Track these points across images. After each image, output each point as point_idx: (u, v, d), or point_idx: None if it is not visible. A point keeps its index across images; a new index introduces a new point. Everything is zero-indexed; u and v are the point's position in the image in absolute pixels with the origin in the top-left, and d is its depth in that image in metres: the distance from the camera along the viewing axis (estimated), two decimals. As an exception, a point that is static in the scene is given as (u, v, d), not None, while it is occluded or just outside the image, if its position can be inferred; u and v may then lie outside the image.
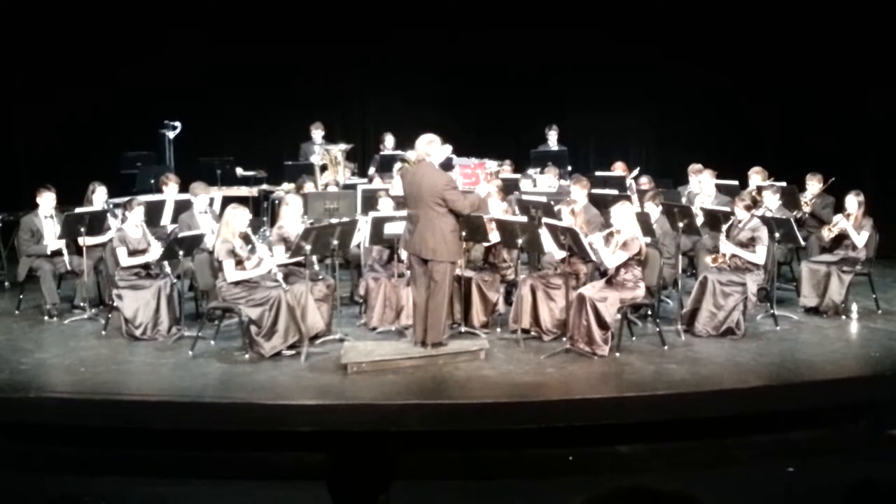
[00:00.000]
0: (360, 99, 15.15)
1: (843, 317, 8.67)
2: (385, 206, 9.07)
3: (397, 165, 10.70)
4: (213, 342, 7.95)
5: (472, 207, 7.53)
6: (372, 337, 8.15)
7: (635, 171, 11.51)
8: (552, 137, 13.14)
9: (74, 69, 12.91)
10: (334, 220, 8.44)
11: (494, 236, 8.38)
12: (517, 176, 11.29)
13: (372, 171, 12.38)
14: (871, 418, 6.84)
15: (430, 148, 7.51)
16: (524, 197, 9.64)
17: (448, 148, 8.26)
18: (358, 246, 9.06)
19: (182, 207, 9.38)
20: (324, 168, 11.74)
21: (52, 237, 9.07)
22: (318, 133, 12.64)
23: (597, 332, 7.50)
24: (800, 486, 6.02)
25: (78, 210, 9.10)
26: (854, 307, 8.72)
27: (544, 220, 8.21)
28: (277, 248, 8.07)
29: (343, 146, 12.03)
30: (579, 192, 9.20)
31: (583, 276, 8.10)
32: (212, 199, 9.74)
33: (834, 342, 8.05)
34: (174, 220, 9.38)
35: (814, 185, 10.01)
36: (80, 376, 7.18)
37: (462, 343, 7.74)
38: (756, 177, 10.23)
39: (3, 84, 12.42)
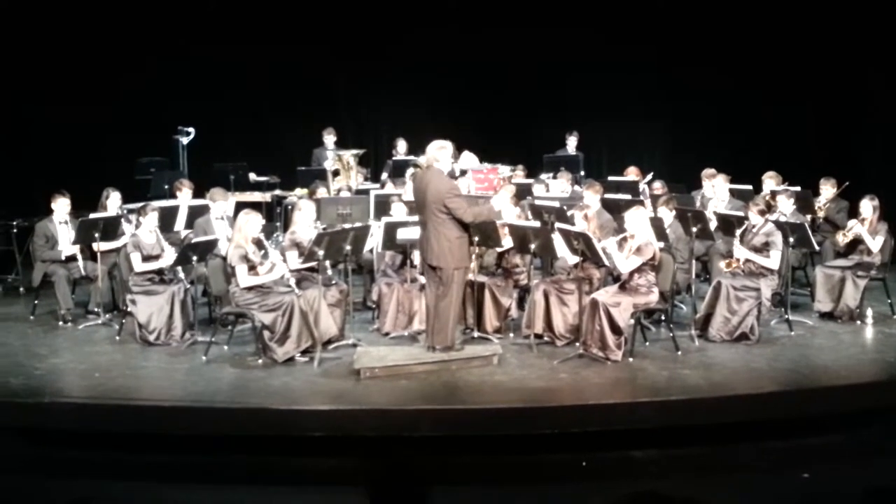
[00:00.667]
0: (372, 104, 15.17)
1: (858, 322, 8.63)
2: (398, 212, 9.08)
3: (410, 171, 10.73)
4: (226, 347, 7.97)
5: (476, 217, 7.38)
6: (385, 342, 8.16)
7: (648, 176, 11.50)
8: (571, 143, 13.15)
9: (88, 74, 12.98)
10: (347, 226, 8.45)
11: (507, 241, 8.38)
12: (530, 181, 11.28)
13: (384, 176, 12.41)
14: (886, 424, 6.80)
15: (440, 154, 7.47)
16: (537, 202, 9.64)
17: (451, 155, 8.09)
18: (371, 251, 9.07)
19: (197, 213, 9.41)
20: (336, 173, 11.76)
21: (66, 243, 9.11)
22: (330, 138, 12.67)
23: (610, 338, 7.48)
24: (814, 492, 5.99)
25: (92, 216, 9.12)
26: (869, 312, 8.68)
27: (557, 225, 8.19)
28: (290, 254, 8.09)
29: (356, 151, 12.05)
30: (592, 196, 9.19)
31: (596, 282, 8.08)
32: (225, 205, 9.76)
33: (849, 347, 8.00)
34: (188, 225, 9.41)
35: (828, 189, 9.98)
36: (94, 381, 7.20)
37: (475, 348, 7.72)
38: (770, 181, 10.19)
39: (16, 90, 12.49)
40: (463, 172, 10.22)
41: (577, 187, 10.96)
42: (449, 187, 7.38)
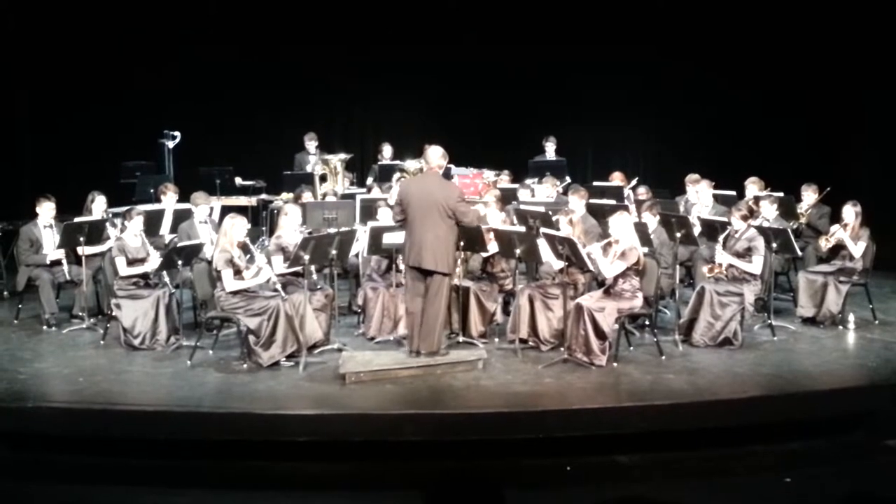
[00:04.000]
0: (358, 109, 15.20)
1: (840, 327, 8.70)
2: (384, 216, 9.08)
3: (396, 175, 10.74)
4: (211, 352, 7.96)
5: (475, 220, 7.67)
6: (370, 347, 8.15)
7: (633, 182, 11.53)
8: (549, 149, 13.17)
9: (75, 79, 12.96)
10: (333, 230, 8.46)
11: (492, 246, 8.40)
12: (515, 186, 11.30)
13: (370, 180, 12.41)
14: (868, 429, 6.85)
15: (443, 161, 7.61)
16: (522, 207, 9.66)
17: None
18: (356, 256, 9.08)
19: (181, 217, 9.40)
20: (323, 178, 11.77)
21: (51, 247, 9.08)
22: (311, 143, 12.69)
23: (594, 342, 7.51)
24: (797, 496, 6.03)
25: (77, 219, 9.11)
26: (851, 317, 8.75)
27: (542, 230, 8.23)
28: (276, 258, 8.08)
29: (342, 156, 12.05)
30: (577, 202, 9.23)
31: (581, 286, 8.11)
32: (211, 209, 9.75)
33: (831, 352, 8.05)
34: (173, 229, 9.40)
35: (809, 195, 10.04)
36: (78, 386, 7.17)
37: (460, 353, 7.73)
38: (753, 187, 10.25)
39: (4, 95, 12.45)
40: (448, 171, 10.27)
41: (568, 195, 10.97)
42: (458, 192, 7.55)
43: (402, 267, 8.36)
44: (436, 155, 7.56)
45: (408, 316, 7.63)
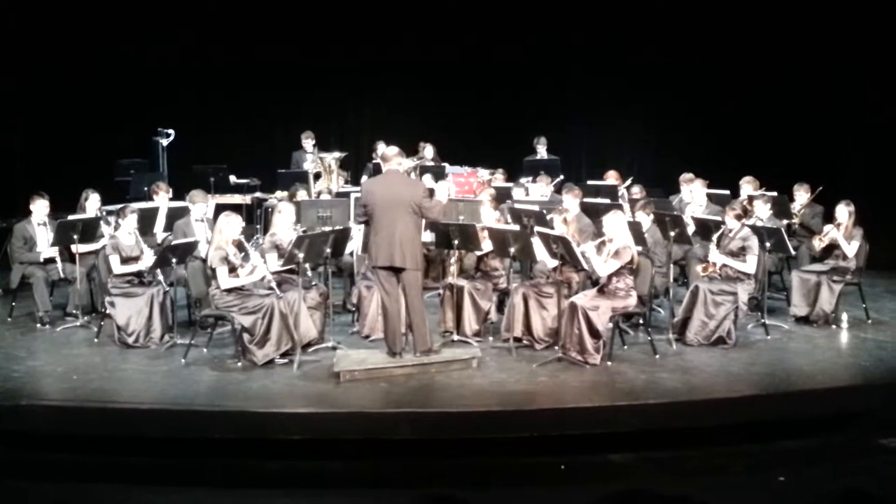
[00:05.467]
0: (353, 107, 15.18)
1: (834, 326, 8.71)
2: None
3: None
4: (205, 350, 7.95)
5: (441, 214, 7.72)
6: (365, 345, 8.14)
7: (628, 181, 11.55)
8: (541, 149, 13.17)
9: (69, 76, 12.94)
10: (327, 228, 8.45)
11: (486, 245, 8.40)
12: (510, 185, 11.31)
13: (365, 179, 12.40)
14: (861, 428, 6.87)
15: (401, 158, 7.67)
16: (516, 206, 9.67)
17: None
18: (351, 254, 9.08)
19: (176, 215, 9.38)
20: (317, 176, 11.76)
21: (45, 244, 9.06)
22: (308, 142, 12.68)
23: (588, 341, 7.52)
24: (791, 495, 6.05)
25: (71, 217, 9.09)
26: (844, 317, 8.76)
27: (536, 228, 8.24)
28: (270, 256, 8.08)
29: (337, 154, 12.04)
30: (571, 200, 9.24)
31: (575, 285, 8.11)
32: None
33: (824, 351, 8.08)
34: (168, 227, 9.38)
35: (801, 194, 10.05)
36: (72, 384, 7.17)
37: (454, 352, 7.74)
38: (747, 186, 10.26)
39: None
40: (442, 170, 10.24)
41: (562, 193, 10.97)
42: (423, 188, 7.60)
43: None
44: (392, 153, 7.59)
45: (387, 315, 7.50)
